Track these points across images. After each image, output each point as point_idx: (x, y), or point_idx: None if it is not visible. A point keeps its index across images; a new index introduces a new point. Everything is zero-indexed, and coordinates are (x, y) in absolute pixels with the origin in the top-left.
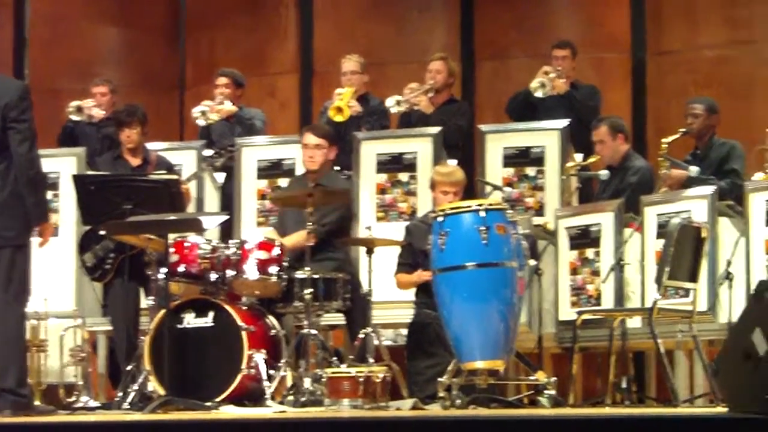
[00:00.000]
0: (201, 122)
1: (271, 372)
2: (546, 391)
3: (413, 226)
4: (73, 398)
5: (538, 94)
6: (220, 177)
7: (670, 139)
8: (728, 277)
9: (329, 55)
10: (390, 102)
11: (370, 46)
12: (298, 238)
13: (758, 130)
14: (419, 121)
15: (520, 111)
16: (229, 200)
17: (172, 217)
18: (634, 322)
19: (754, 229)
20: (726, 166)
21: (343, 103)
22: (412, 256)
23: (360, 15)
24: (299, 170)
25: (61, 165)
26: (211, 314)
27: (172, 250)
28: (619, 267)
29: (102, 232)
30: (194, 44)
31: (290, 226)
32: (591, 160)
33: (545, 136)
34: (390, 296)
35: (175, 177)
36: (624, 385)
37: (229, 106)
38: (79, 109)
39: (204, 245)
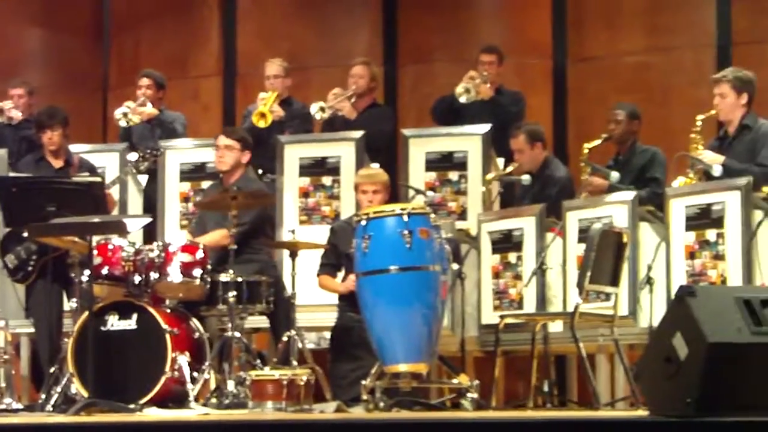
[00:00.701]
0: (123, 123)
1: (195, 374)
2: (468, 394)
3: (338, 227)
4: None
5: (463, 99)
6: (143, 180)
7: (591, 144)
8: (649, 281)
9: (252, 59)
10: (313, 109)
11: (293, 49)
12: (213, 237)
13: (678, 136)
14: (342, 125)
15: (446, 115)
16: (152, 203)
17: (96, 220)
18: (556, 326)
19: (675, 234)
20: (647, 173)
21: (266, 108)
22: (335, 257)
23: (283, 18)
24: None
25: None
26: (134, 317)
27: (95, 252)
28: (541, 271)
29: (24, 234)
30: (118, 46)
31: (211, 227)
32: (509, 169)
33: (468, 140)
34: (314, 299)
35: (98, 179)
36: (546, 388)
37: (150, 109)
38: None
39: (127, 248)
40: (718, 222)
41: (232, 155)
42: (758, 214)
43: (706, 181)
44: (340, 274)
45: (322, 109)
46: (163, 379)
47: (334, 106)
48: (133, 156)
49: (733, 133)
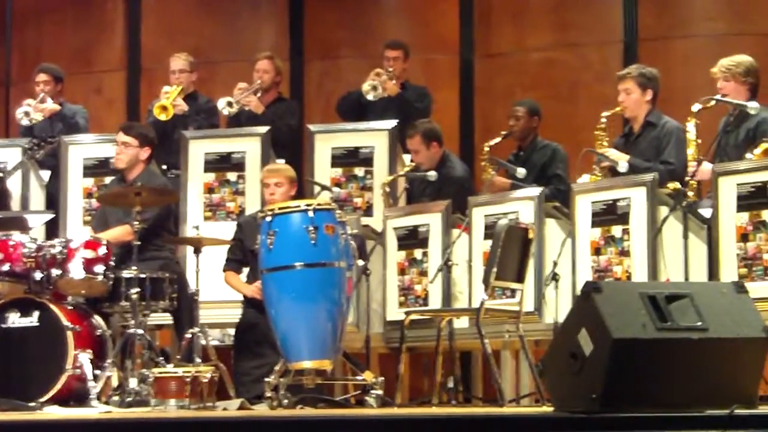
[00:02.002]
0: (25, 122)
1: (97, 372)
2: (373, 391)
3: (245, 222)
4: None
5: (370, 96)
6: (46, 175)
7: (492, 142)
8: (554, 277)
9: (157, 53)
10: (221, 104)
11: (199, 43)
12: (115, 232)
13: (583, 131)
14: (249, 120)
15: (351, 111)
16: (54, 199)
17: None
18: (462, 322)
19: (580, 230)
20: (549, 170)
21: (168, 101)
22: (241, 253)
23: (189, 12)
24: None
25: None
26: (36, 314)
27: None
28: (446, 267)
29: None
30: (20, 40)
31: (113, 223)
32: (406, 169)
33: (374, 136)
34: (217, 296)
35: None
36: (451, 384)
37: (51, 105)
38: None
39: (29, 244)
40: (623, 218)
41: (129, 152)
42: (663, 210)
43: (612, 178)
44: (246, 270)
45: (230, 104)
46: (64, 377)
47: (241, 101)
48: (29, 143)
49: (638, 130)
